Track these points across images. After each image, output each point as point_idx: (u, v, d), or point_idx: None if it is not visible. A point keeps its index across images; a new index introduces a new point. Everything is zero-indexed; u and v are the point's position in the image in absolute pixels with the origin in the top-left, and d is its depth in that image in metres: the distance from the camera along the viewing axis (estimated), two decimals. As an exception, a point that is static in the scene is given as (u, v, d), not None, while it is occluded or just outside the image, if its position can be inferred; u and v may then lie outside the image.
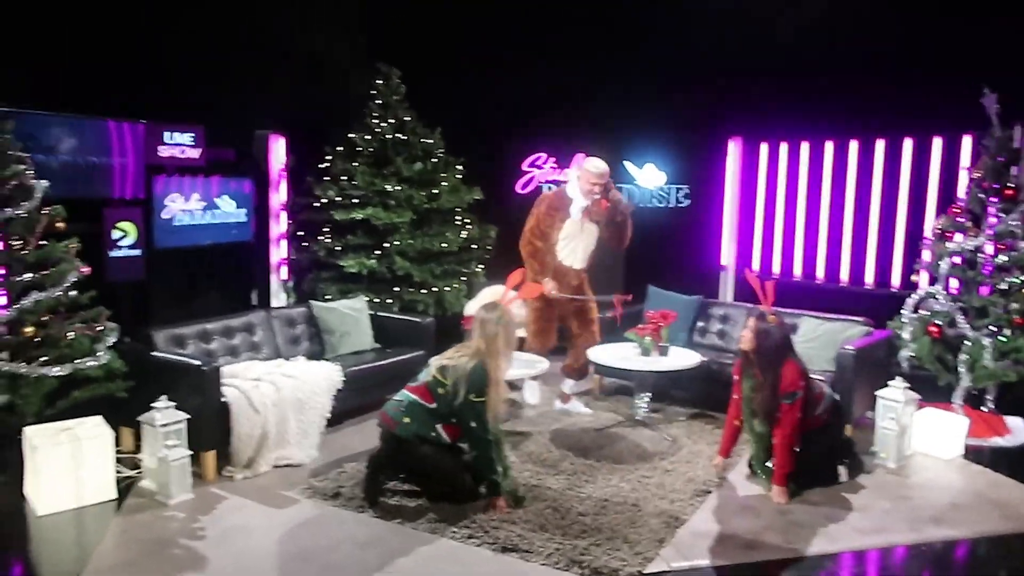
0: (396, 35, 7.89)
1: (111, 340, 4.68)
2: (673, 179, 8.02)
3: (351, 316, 5.99)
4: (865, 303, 6.76)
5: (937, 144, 6.79)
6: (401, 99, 7.36)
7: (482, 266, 7.59)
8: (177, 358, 4.77)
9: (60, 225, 4.61)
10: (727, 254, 7.87)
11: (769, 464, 4.40)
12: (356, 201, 7.02)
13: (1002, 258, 5.53)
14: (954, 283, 5.77)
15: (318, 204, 7.15)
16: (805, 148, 7.52)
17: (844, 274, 7.27)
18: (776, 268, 7.66)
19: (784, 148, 7.63)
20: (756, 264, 7.79)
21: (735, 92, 7.50)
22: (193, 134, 6.34)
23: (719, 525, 4.02)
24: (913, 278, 6.02)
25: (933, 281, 5.76)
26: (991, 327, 5.46)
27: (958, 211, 5.74)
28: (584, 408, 5.82)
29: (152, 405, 4.30)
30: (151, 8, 6.34)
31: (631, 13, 7.73)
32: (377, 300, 6.74)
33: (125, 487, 4.38)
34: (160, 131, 6.14)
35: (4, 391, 4.32)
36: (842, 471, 4.64)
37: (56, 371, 4.38)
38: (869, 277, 7.14)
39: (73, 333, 4.52)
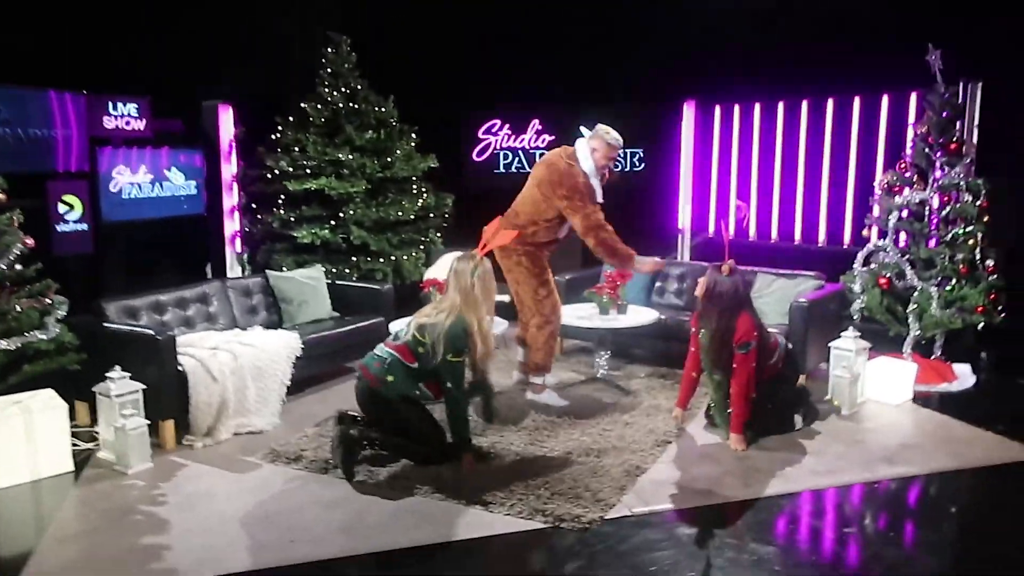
0: (347, 3, 7.77)
1: (61, 313, 4.55)
2: (628, 143, 8.03)
3: (308, 285, 5.94)
4: (818, 259, 6.90)
5: (885, 102, 6.92)
6: (352, 67, 7.26)
7: (439, 234, 7.57)
8: (130, 328, 4.69)
9: (2, 196, 4.46)
10: (683, 216, 7.95)
11: (727, 413, 4.49)
12: (309, 171, 6.93)
13: (947, 210, 5.69)
14: (903, 236, 5.92)
15: (270, 175, 7.05)
16: (757, 109, 7.61)
17: (797, 232, 7.41)
18: (731, 229, 7.75)
19: (737, 110, 7.72)
20: (711, 226, 7.89)
21: (688, 56, 7.55)
22: (138, 104, 6.18)
23: (679, 473, 4.10)
24: (864, 233, 6.15)
25: (883, 235, 5.89)
26: (938, 277, 5.63)
27: (905, 166, 5.87)
28: (558, 399, 5.15)
29: (107, 375, 4.22)
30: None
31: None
32: (334, 270, 6.69)
33: (82, 460, 4.32)
34: (104, 102, 5.98)
35: (-50, 366, 4.19)
36: (797, 419, 4.75)
37: (3, 344, 4.26)
38: (822, 234, 7.28)
39: (20, 307, 4.40)
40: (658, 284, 6.56)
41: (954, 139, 5.72)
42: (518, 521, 3.57)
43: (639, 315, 5.57)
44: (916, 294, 5.64)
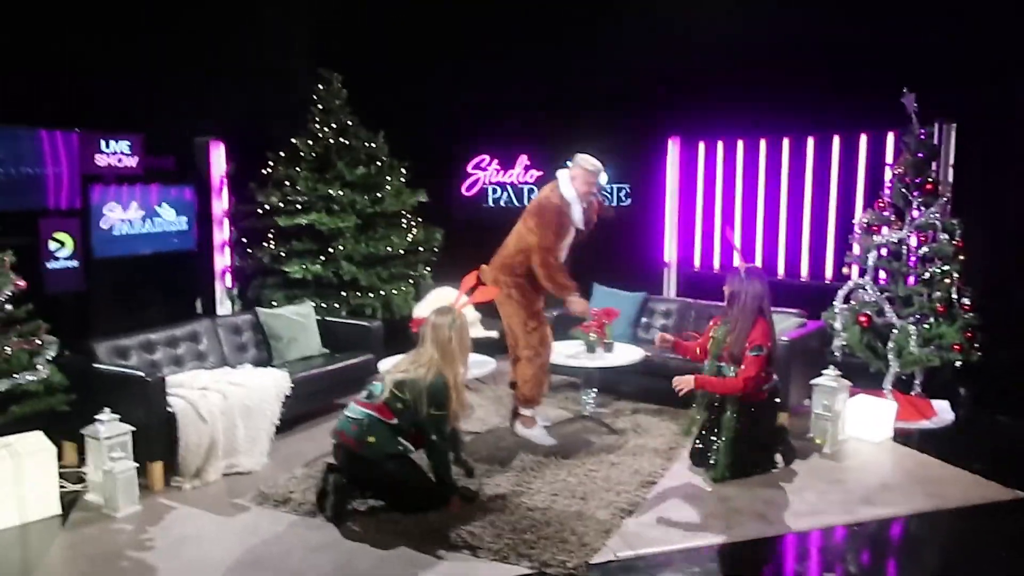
0: (337, 40, 7.89)
1: (51, 354, 4.58)
2: (615, 179, 8.19)
3: (298, 322, 5.99)
4: (802, 295, 7.01)
5: (863, 141, 7.08)
6: (343, 103, 7.38)
7: (429, 268, 7.65)
8: (120, 370, 4.72)
9: (-6, 238, 4.51)
10: (669, 251, 8.06)
11: (727, 454, 4.56)
12: (300, 207, 7.01)
13: (924, 249, 5.82)
14: (882, 274, 6.04)
15: (261, 210, 7.12)
16: (741, 146, 7.76)
17: (780, 268, 7.53)
18: (716, 264, 7.89)
19: (720, 146, 7.86)
20: (697, 260, 8.00)
21: (673, 93, 7.70)
22: (130, 142, 6.26)
23: (663, 514, 4.16)
24: (844, 270, 6.27)
25: (862, 273, 6.02)
26: (916, 315, 5.74)
27: (883, 205, 6.01)
28: (546, 438, 5.19)
29: (95, 418, 4.25)
30: (84, 15, 6.22)
31: (571, 16, 7.87)
32: (324, 305, 6.75)
33: (70, 502, 4.33)
34: (96, 139, 6.05)
35: (-61, 409, 4.21)
36: (778, 458, 4.82)
37: (-8, 387, 4.29)
38: (804, 270, 7.41)
39: (10, 348, 4.43)
40: (644, 320, 6.65)
41: (929, 179, 5.86)
42: (504, 567, 3.61)
43: (625, 353, 5.65)
44: (895, 332, 5.75)
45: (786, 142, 7.46)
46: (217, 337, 5.65)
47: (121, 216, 6.23)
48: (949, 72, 6.44)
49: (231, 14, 7.31)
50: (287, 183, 7.09)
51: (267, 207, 7.06)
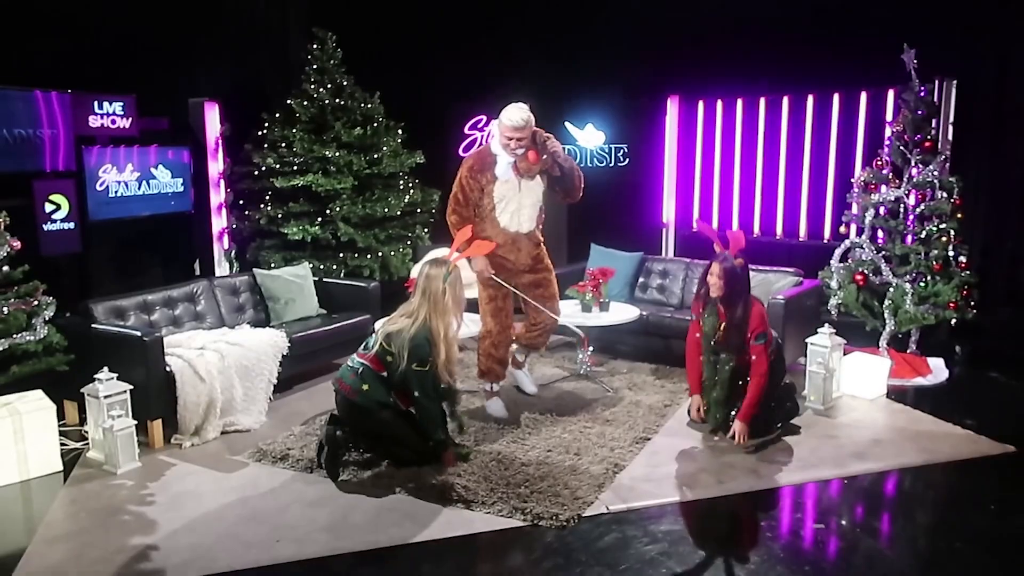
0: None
1: (48, 314, 4.61)
2: (612, 139, 8.13)
3: (295, 283, 6.01)
4: (800, 254, 7.02)
5: (863, 99, 7.01)
6: (338, 64, 7.29)
7: (426, 230, 7.63)
8: (118, 330, 4.76)
9: (-12, 199, 4.51)
10: (667, 211, 8.04)
11: (726, 405, 4.56)
12: (296, 168, 6.98)
13: (922, 207, 5.80)
14: (880, 233, 6.03)
15: (257, 172, 7.09)
16: (740, 105, 7.68)
17: (779, 227, 7.51)
18: (714, 223, 7.86)
19: (720, 105, 7.78)
20: (695, 220, 7.97)
21: (672, 52, 7.60)
22: (123, 103, 6.20)
23: (656, 469, 4.21)
24: (842, 229, 6.24)
25: (860, 232, 6.00)
26: (912, 273, 5.74)
27: (881, 164, 5.97)
28: (531, 386, 5.35)
29: (95, 377, 4.29)
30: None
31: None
32: (322, 267, 6.76)
33: (71, 460, 4.40)
34: (89, 101, 6.00)
35: (-60, 368, 4.26)
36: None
37: (-9, 346, 4.33)
38: (803, 229, 7.39)
39: (7, 309, 4.46)
40: (641, 280, 6.66)
41: (929, 137, 5.82)
42: (498, 519, 3.67)
43: (621, 312, 5.67)
44: (891, 290, 5.76)
45: (785, 101, 7.39)
46: (215, 298, 5.67)
47: (116, 178, 6.21)
48: (949, 29, 6.37)
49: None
50: (283, 144, 7.04)
51: (263, 168, 7.02)
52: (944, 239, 5.67)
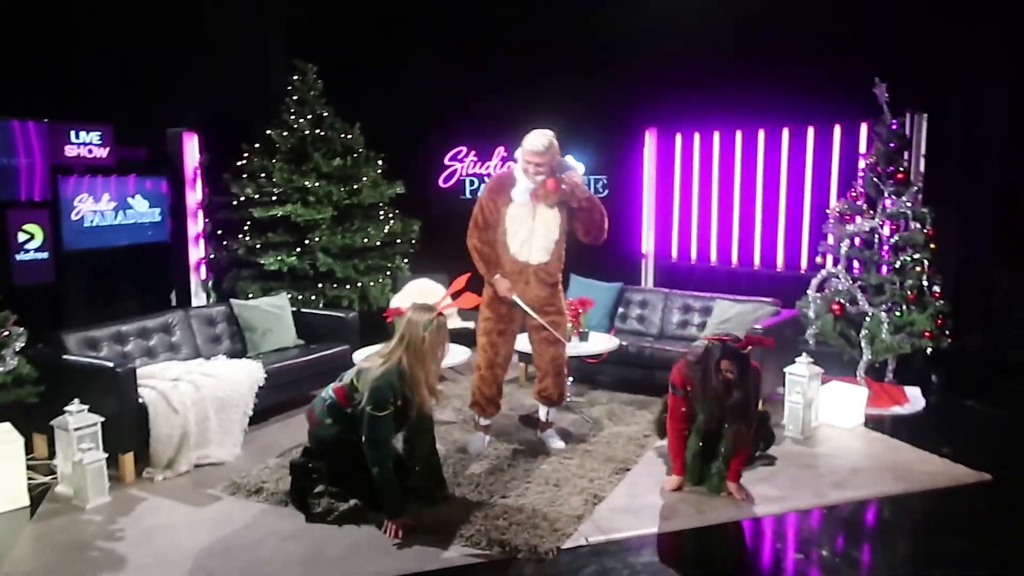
0: (312, 31, 7.84)
1: (19, 345, 4.53)
2: (592, 170, 8.20)
3: (273, 313, 5.96)
4: (777, 284, 7.07)
5: (837, 131, 7.13)
6: (319, 95, 7.32)
7: (406, 260, 7.62)
8: (89, 361, 4.68)
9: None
10: (647, 242, 8.09)
11: (720, 464, 4.29)
12: (275, 198, 6.97)
13: (896, 238, 5.89)
14: (855, 263, 6.10)
15: (236, 202, 7.06)
16: (717, 137, 7.79)
17: (756, 258, 7.58)
18: (693, 254, 7.93)
19: (697, 138, 7.90)
20: (675, 251, 8.03)
21: (649, 84, 7.72)
22: (101, 132, 6.18)
23: (636, 500, 4.18)
24: (818, 259, 6.31)
25: (836, 262, 6.07)
26: (888, 303, 5.80)
27: (856, 195, 6.06)
28: (559, 442, 4.95)
29: (65, 409, 4.21)
30: (53, 3, 6.14)
31: (548, 7, 7.87)
32: (300, 297, 6.71)
33: (39, 494, 4.29)
34: (66, 130, 5.97)
35: (-96, 401, 4.16)
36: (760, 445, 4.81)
37: (-40, 378, 4.24)
38: (779, 260, 7.46)
39: (-24, 339, 4.38)
40: (620, 311, 6.67)
41: (901, 169, 5.92)
42: (476, 552, 3.62)
43: (601, 342, 5.67)
44: (867, 319, 5.81)
45: (761, 133, 7.51)
46: (190, 328, 5.61)
47: (92, 207, 6.16)
48: (919, 64, 6.52)
49: (204, 3, 7.25)
50: (262, 175, 7.04)
51: (242, 199, 7.00)
52: (918, 269, 5.74)
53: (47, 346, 4.85)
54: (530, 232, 4.61)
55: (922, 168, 6.36)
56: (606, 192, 8.22)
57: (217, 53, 7.43)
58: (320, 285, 6.94)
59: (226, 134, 7.22)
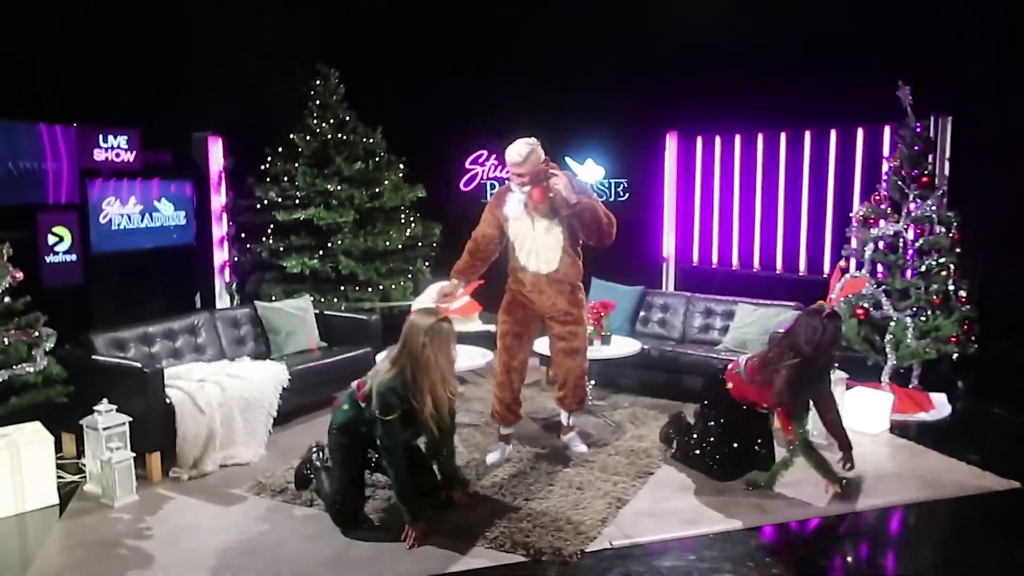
0: (334, 36, 7.91)
1: (49, 345, 4.60)
2: (612, 174, 8.20)
3: (296, 315, 6.00)
4: (800, 289, 7.03)
5: (860, 135, 7.08)
6: (341, 99, 7.39)
7: (427, 263, 7.66)
8: (118, 361, 4.74)
9: (-8, 230, 4.53)
10: (667, 245, 8.07)
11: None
12: (298, 202, 7.03)
13: (921, 242, 5.83)
14: (879, 267, 6.05)
15: (259, 205, 7.14)
16: (738, 141, 7.76)
17: (779, 262, 7.53)
18: (715, 258, 7.89)
19: (718, 141, 7.87)
20: (696, 254, 8.01)
21: (670, 88, 7.70)
22: (128, 136, 6.26)
23: (660, 504, 4.17)
24: (841, 264, 6.26)
25: (860, 266, 6.02)
26: (913, 308, 5.75)
27: (879, 199, 6.02)
28: (582, 446, 4.93)
29: (94, 408, 4.26)
30: (83, 8, 6.23)
31: (569, 12, 7.89)
32: (322, 299, 6.76)
33: (68, 492, 4.35)
34: (94, 134, 6.06)
35: (-62, 400, 4.23)
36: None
37: (-8, 378, 4.31)
38: (802, 264, 7.41)
39: (8, 340, 4.45)
40: (642, 314, 6.66)
41: (926, 172, 5.87)
42: (500, 554, 3.62)
43: (623, 346, 5.66)
44: (892, 324, 5.76)
45: (783, 137, 7.47)
46: (216, 330, 5.66)
47: (120, 211, 6.25)
48: (944, 66, 6.45)
49: (228, 9, 7.33)
50: (285, 178, 7.11)
51: (265, 202, 7.07)
52: (943, 273, 5.69)
53: (76, 347, 4.91)
54: (533, 245, 4.55)
55: (947, 171, 6.29)
56: (627, 196, 8.22)
57: (242, 58, 7.51)
58: (342, 288, 6.99)
59: (250, 138, 7.30)
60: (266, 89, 7.66)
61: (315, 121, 7.25)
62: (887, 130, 6.79)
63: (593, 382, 5.71)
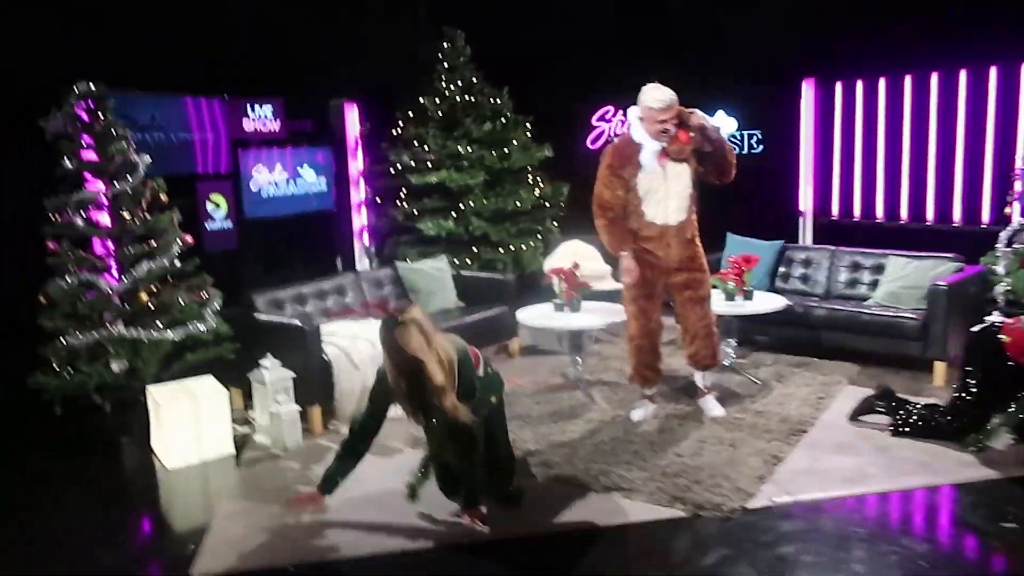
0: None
1: (216, 305, 4.92)
2: (745, 125, 7.87)
3: (435, 276, 6.15)
4: (954, 240, 6.57)
5: (1025, 71, 6.50)
6: (467, 61, 7.42)
7: (556, 223, 7.65)
8: (280, 319, 5.00)
9: (164, 198, 4.86)
10: (805, 199, 7.72)
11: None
12: (430, 165, 7.15)
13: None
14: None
15: (393, 170, 7.31)
16: (883, 85, 7.28)
17: (930, 212, 7.07)
18: (857, 210, 7.50)
19: (860, 87, 7.41)
20: (835, 208, 7.63)
21: (805, 31, 7.29)
22: (272, 106, 6.52)
23: (818, 462, 4.05)
24: (1006, 211, 5.82)
25: (1026, 213, 5.58)
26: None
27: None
28: (718, 409, 4.76)
29: (260, 363, 4.52)
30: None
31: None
32: (455, 261, 6.89)
33: (239, 443, 4.64)
34: (243, 105, 6.34)
35: (125, 356, 4.60)
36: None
37: (170, 335, 4.64)
38: (957, 213, 6.92)
39: (182, 300, 4.78)
40: (782, 270, 6.44)
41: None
42: (657, 509, 3.62)
43: (766, 301, 5.49)
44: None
45: (935, 78, 6.95)
46: (361, 290, 5.88)
47: (268, 178, 6.54)
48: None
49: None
50: (416, 142, 7.24)
51: (399, 166, 7.23)
52: None
53: (237, 307, 5.22)
54: (665, 194, 4.43)
55: None
56: (760, 148, 7.90)
57: (371, 24, 7.65)
58: (475, 249, 7.09)
59: (383, 103, 7.45)
60: (396, 54, 7.78)
61: (443, 84, 7.32)
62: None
63: (735, 339, 5.59)
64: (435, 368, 3.29)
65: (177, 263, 4.89)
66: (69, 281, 4.64)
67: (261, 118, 6.43)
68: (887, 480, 3.83)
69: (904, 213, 7.22)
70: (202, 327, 4.76)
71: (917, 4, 6.61)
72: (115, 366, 4.62)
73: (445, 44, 7.39)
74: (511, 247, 7.16)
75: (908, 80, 7.10)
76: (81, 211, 4.70)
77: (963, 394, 4.26)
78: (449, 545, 3.44)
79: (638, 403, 4.87)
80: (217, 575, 3.29)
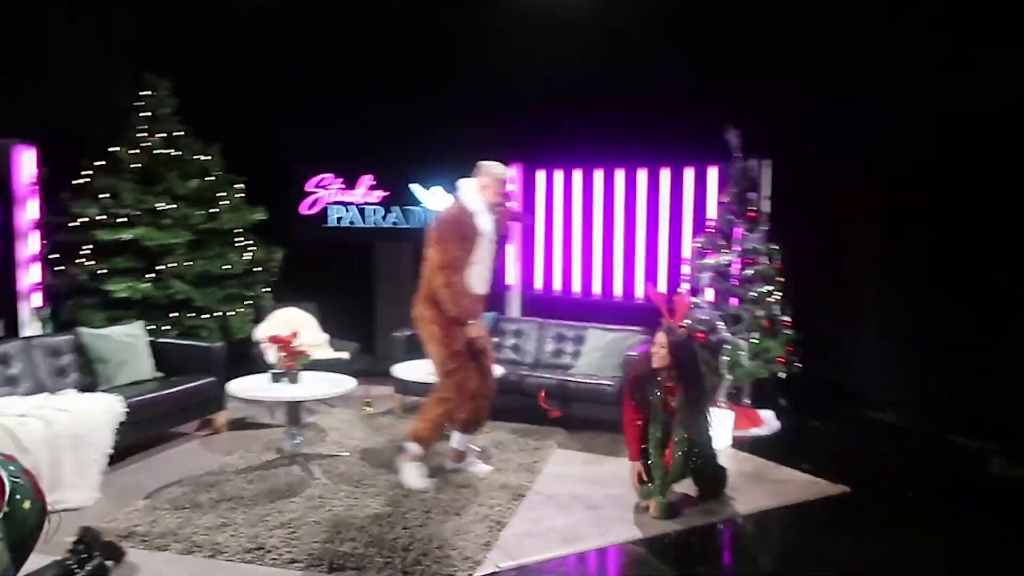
0: (164, 46, 7.36)
1: None
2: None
3: (127, 343, 5.45)
4: (639, 315, 7.40)
5: (689, 173, 7.65)
6: (172, 112, 6.89)
7: (268, 289, 7.26)
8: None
9: None
10: (512, 273, 8.22)
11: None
12: (123, 220, 6.42)
13: (748, 271, 6.38)
14: (714, 293, 6.54)
15: (76, 223, 6.43)
16: (578, 175, 8.11)
17: (618, 289, 7.91)
18: (557, 285, 8.14)
19: (559, 175, 8.17)
20: (539, 282, 8.22)
21: (514, 122, 7.90)
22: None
23: (538, 524, 4.18)
24: (680, 291, 6.69)
25: (695, 292, 6.48)
26: (745, 331, 6.25)
27: (713, 231, 6.53)
28: (484, 466, 4.92)
29: None
30: None
31: (414, 41, 7.90)
32: (152, 327, 6.18)
33: None
34: None
35: None
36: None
37: None
38: (640, 291, 7.82)
39: None
40: (495, 340, 6.70)
41: (751, 208, 6.46)
42: (389, 585, 3.46)
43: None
44: (728, 347, 6.23)
45: (620, 173, 7.90)
46: (31, 360, 5.00)
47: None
48: (762, 113, 7.14)
49: (40, 8, 6.62)
50: (107, 195, 6.47)
51: (83, 220, 6.39)
52: (770, 300, 6.25)
53: None
54: (484, 265, 4.57)
55: (767, 209, 6.94)
56: (472, 224, 8.26)
57: (54, 59, 6.79)
58: (175, 314, 6.44)
59: (66, 148, 6.57)
60: (85, 96, 6.96)
61: (143, 134, 6.68)
62: (712, 170, 7.38)
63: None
64: None
65: None
66: None
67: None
68: (599, 537, 4.06)
69: (597, 289, 8.00)
70: None
71: (606, 111, 7.50)
72: None
73: (148, 92, 6.79)
74: (218, 313, 6.62)
75: (599, 173, 7.99)
76: None
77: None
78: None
79: (414, 467, 4.59)
80: None
